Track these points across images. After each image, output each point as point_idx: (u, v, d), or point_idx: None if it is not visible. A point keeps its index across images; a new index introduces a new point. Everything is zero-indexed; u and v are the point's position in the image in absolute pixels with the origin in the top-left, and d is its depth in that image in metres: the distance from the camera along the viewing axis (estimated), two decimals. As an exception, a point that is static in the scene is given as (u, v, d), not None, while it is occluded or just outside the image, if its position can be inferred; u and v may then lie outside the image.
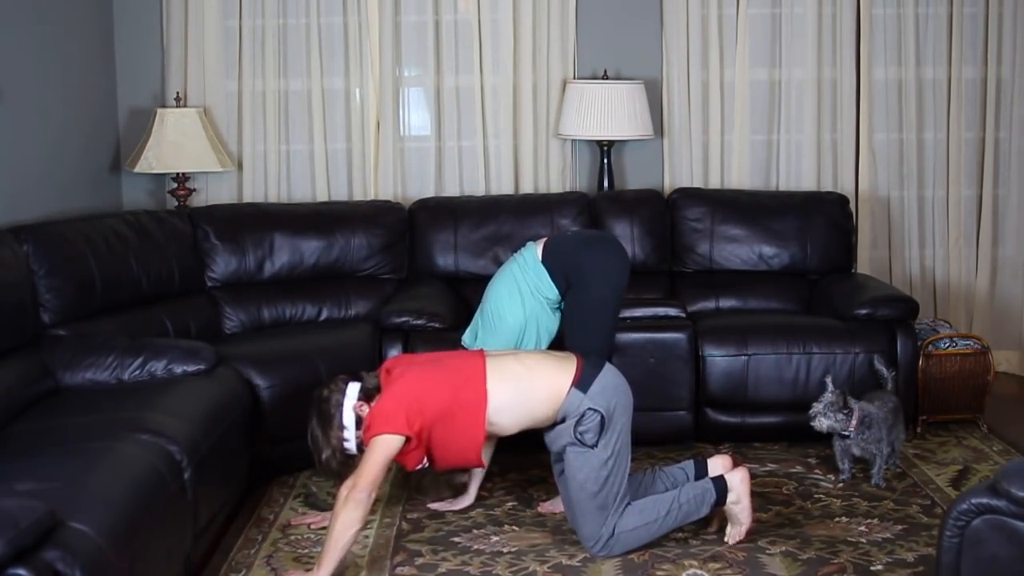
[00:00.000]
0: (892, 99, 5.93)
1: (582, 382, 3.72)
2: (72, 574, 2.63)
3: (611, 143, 5.71)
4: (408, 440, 3.65)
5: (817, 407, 4.37)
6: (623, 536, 3.77)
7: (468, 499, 4.28)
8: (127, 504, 3.04)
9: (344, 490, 3.57)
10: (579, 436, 3.70)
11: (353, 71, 5.78)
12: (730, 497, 3.84)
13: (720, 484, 3.85)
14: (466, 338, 4.50)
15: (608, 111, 5.52)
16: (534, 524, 4.12)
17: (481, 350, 3.92)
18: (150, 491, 3.22)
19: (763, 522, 4.10)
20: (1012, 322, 6.05)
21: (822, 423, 4.36)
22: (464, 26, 5.81)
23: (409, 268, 5.47)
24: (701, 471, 3.99)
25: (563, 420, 3.73)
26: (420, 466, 3.82)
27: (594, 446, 3.70)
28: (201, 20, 5.67)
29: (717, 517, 3.96)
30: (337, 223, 5.38)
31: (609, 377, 3.77)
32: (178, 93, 5.59)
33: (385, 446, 3.61)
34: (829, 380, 4.42)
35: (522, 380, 3.75)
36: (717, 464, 4.00)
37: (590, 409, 3.69)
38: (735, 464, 4.00)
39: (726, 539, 3.88)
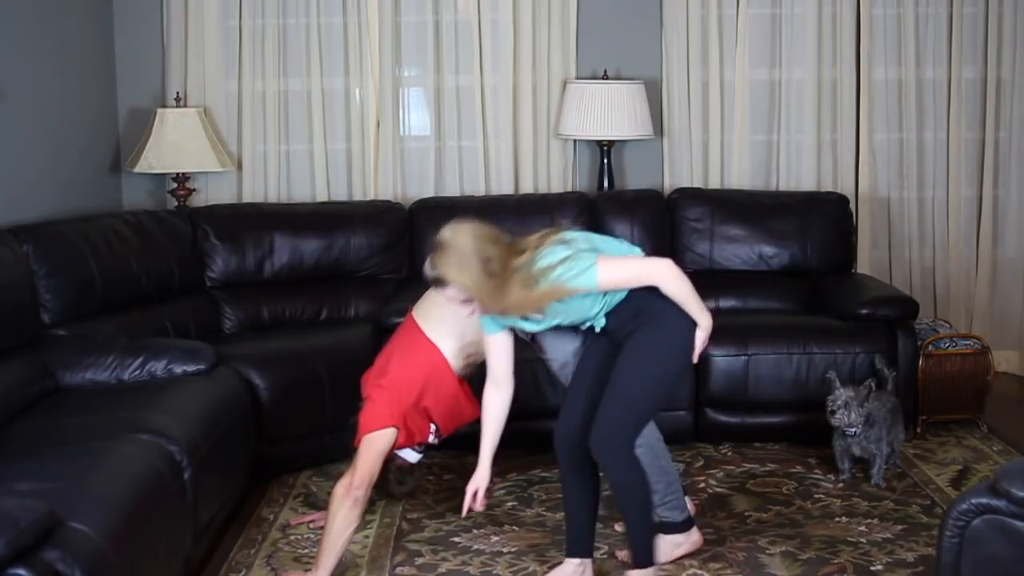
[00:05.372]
0: (892, 99, 5.92)
1: None
2: (72, 574, 2.63)
3: (611, 143, 5.70)
4: (398, 429, 3.69)
5: (837, 401, 4.35)
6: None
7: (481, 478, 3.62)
8: (127, 504, 3.04)
9: (340, 488, 3.59)
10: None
11: (353, 71, 5.78)
12: (677, 539, 3.78)
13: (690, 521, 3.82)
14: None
15: (608, 111, 5.52)
16: (534, 524, 4.12)
17: (409, 312, 3.85)
18: (150, 491, 3.22)
19: (763, 522, 4.10)
20: (1012, 322, 6.05)
21: (844, 417, 4.34)
22: (464, 26, 5.81)
23: (409, 268, 5.46)
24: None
25: None
26: (432, 437, 3.83)
27: None
28: (201, 20, 5.67)
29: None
30: (337, 223, 5.38)
31: None
32: (178, 93, 5.59)
33: (377, 441, 3.65)
34: (834, 376, 4.42)
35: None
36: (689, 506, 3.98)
37: None
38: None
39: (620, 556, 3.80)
